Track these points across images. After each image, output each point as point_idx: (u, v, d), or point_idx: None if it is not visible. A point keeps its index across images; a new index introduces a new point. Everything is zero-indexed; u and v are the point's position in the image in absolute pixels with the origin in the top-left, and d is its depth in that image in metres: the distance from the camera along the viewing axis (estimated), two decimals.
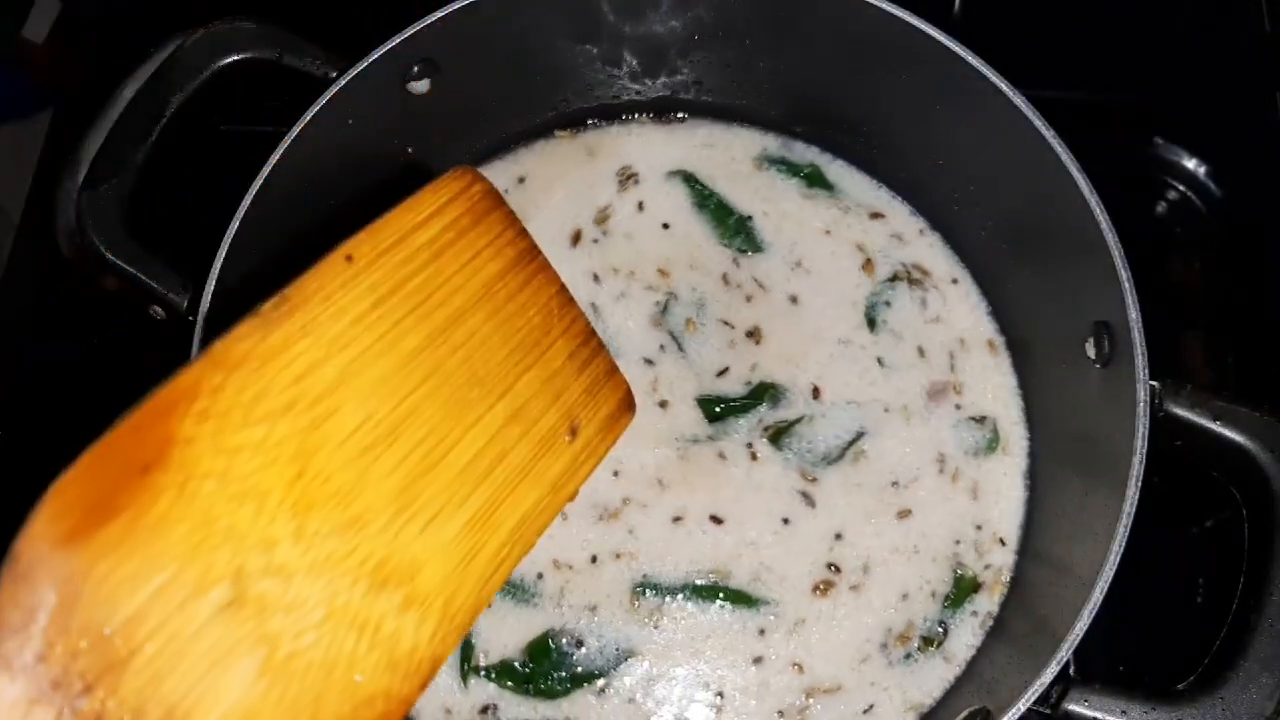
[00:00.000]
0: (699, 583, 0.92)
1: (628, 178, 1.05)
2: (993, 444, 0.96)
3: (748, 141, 1.07)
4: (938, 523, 0.94)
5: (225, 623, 0.48)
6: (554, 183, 1.05)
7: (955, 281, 1.02)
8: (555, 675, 0.90)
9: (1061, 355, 0.91)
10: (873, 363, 0.99)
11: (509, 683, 0.90)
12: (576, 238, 1.03)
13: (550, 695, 0.89)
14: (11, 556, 0.44)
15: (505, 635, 0.92)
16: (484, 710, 0.90)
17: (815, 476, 0.95)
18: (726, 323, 1.00)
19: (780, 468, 0.95)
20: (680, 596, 0.92)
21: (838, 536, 0.93)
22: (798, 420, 0.96)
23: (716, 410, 0.97)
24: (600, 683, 0.90)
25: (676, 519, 0.94)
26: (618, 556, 0.93)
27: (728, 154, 1.07)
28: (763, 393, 0.97)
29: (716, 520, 0.94)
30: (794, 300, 1.01)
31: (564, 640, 0.91)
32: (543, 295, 0.59)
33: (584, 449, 0.60)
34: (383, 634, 0.52)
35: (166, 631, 0.46)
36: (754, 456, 0.95)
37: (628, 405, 0.63)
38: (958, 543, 0.94)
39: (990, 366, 0.99)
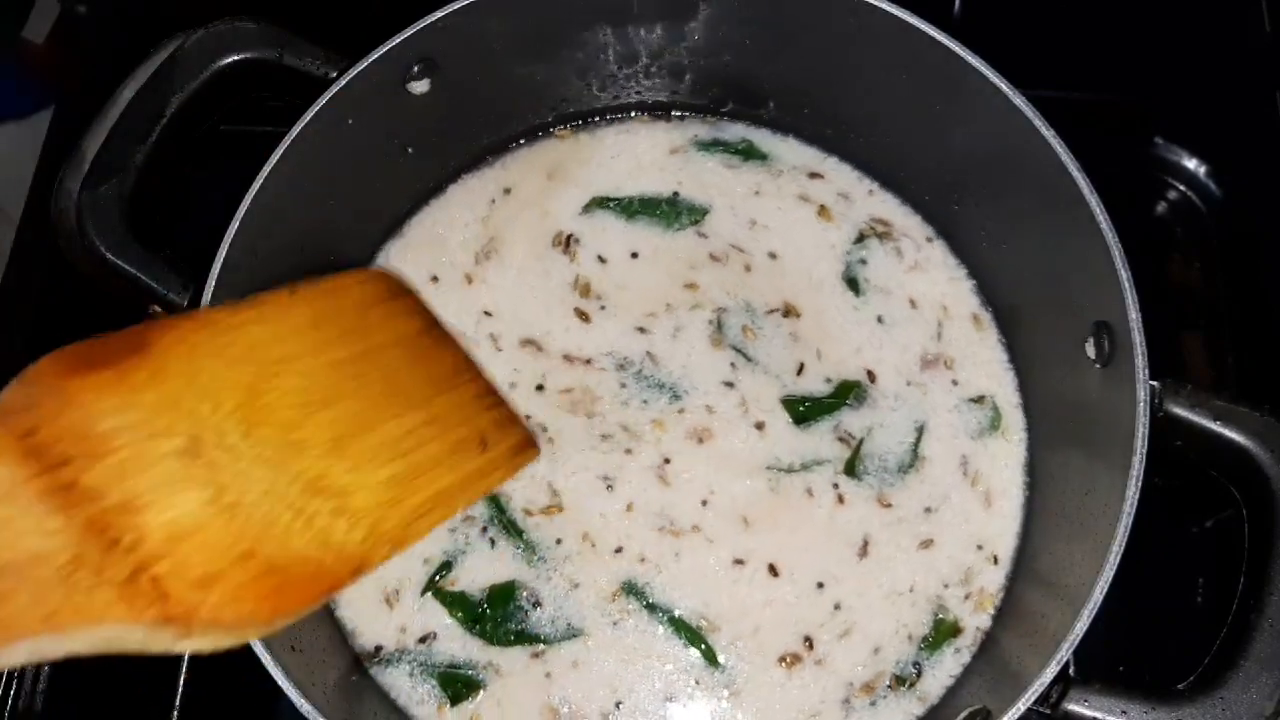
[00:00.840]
0: (683, 616, 0.91)
1: (566, 239, 1.04)
2: (995, 422, 0.97)
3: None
4: (948, 555, 0.94)
5: (181, 461, 0.60)
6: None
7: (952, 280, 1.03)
8: (504, 625, 0.91)
9: (1061, 355, 0.91)
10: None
11: (459, 613, 0.91)
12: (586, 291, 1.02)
13: (490, 640, 0.91)
14: (20, 375, 0.59)
15: (481, 572, 0.93)
16: (423, 639, 0.91)
17: (891, 501, 0.95)
18: (769, 310, 1.00)
19: (862, 505, 0.94)
20: (656, 615, 0.91)
21: (836, 607, 0.92)
22: (863, 438, 0.96)
23: (801, 410, 0.97)
24: (540, 647, 0.91)
25: (738, 561, 0.93)
26: (642, 560, 0.93)
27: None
28: (847, 391, 0.97)
29: (774, 572, 0.93)
30: (773, 256, 1.02)
31: (524, 595, 0.92)
32: (449, 352, 0.78)
33: (493, 460, 0.74)
34: (317, 524, 0.63)
35: (133, 449, 0.58)
36: (840, 499, 0.94)
37: (530, 443, 0.78)
38: (946, 586, 0.93)
39: (993, 361, 1.00)
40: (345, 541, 0.64)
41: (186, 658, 0.99)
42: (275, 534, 0.61)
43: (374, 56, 0.90)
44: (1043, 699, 0.77)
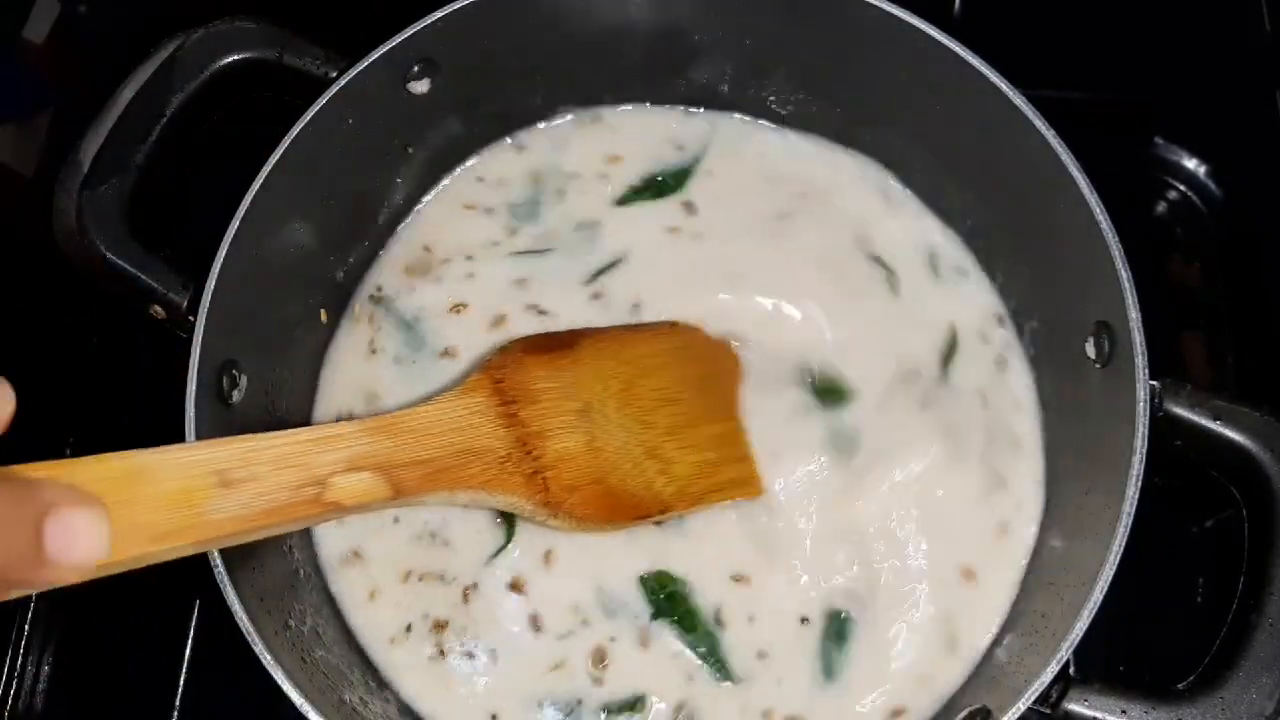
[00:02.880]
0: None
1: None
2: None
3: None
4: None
5: (576, 416, 0.89)
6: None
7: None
8: None
9: (1061, 355, 0.91)
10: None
11: None
12: None
13: None
14: (501, 346, 0.92)
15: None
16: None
17: None
18: None
19: None
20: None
21: None
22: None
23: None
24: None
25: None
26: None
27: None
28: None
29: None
30: None
31: None
32: (734, 391, 0.98)
33: (740, 479, 0.94)
34: (646, 476, 0.90)
35: (551, 403, 0.88)
36: None
37: (757, 480, 0.94)
38: None
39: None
40: (661, 491, 0.90)
41: (186, 658, 0.99)
42: (618, 474, 0.89)
43: (374, 56, 0.90)
44: (1043, 699, 0.77)
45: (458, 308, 1.00)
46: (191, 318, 0.84)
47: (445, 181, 1.05)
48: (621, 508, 0.89)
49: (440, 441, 0.81)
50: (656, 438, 0.92)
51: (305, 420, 0.98)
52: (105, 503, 0.61)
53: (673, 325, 0.98)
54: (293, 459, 0.72)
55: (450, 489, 0.80)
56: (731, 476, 0.93)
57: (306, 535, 0.94)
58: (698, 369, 0.97)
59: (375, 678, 0.91)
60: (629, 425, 0.91)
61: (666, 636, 0.90)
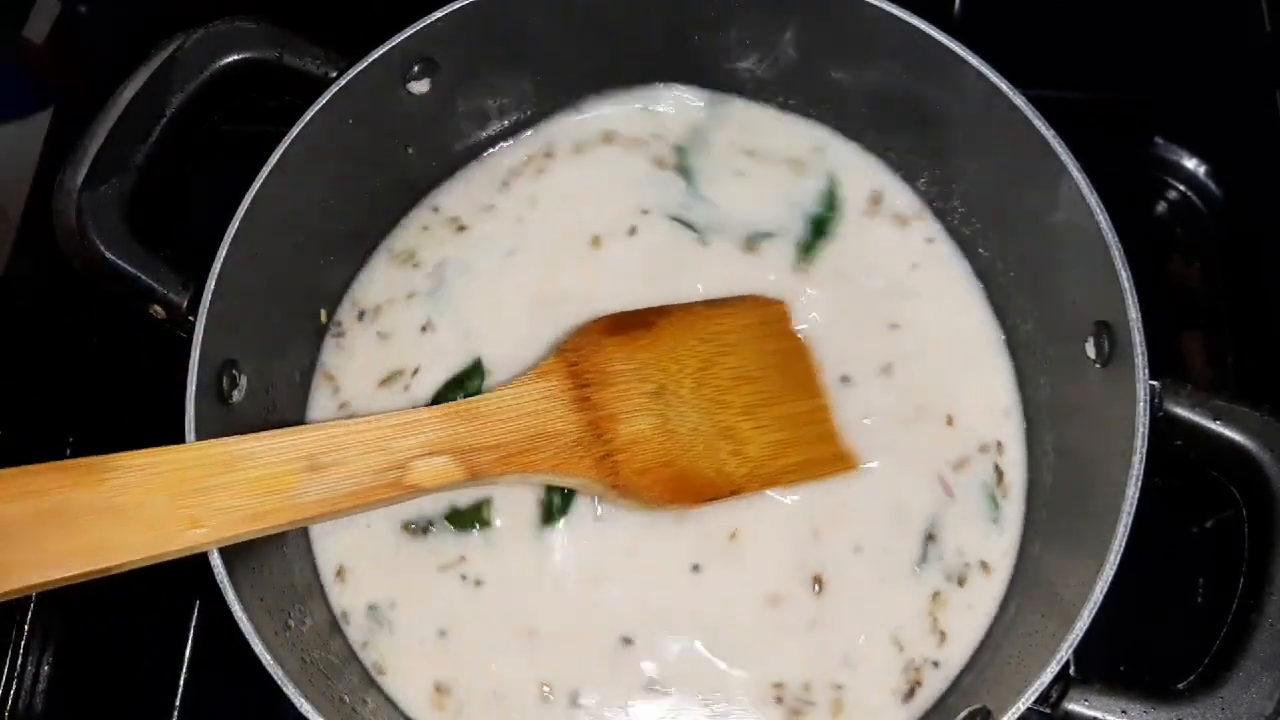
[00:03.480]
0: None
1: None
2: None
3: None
4: None
5: (649, 398, 0.90)
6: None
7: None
8: None
9: (1061, 355, 0.91)
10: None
11: None
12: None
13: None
14: (578, 328, 0.93)
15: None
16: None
17: None
18: None
19: None
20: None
21: None
22: None
23: None
24: None
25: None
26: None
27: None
28: None
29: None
30: None
31: None
32: (815, 370, 0.97)
33: (825, 458, 0.94)
34: (719, 457, 0.91)
35: (625, 385, 0.90)
36: None
37: (849, 458, 0.95)
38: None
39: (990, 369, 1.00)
40: (733, 473, 0.91)
41: (186, 658, 0.99)
42: (690, 455, 0.90)
43: (374, 56, 0.90)
44: (1043, 699, 0.77)
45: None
46: (191, 318, 0.84)
47: (447, 182, 1.06)
48: (691, 489, 0.90)
49: (514, 425, 0.84)
50: (731, 417, 0.92)
51: (303, 420, 0.98)
52: (207, 486, 0.72)
53: (754, 299, 0.98)
54: (376, 444, 0.78)
55: (523, 471, 0.84)
56: (810, 456, 0.93)
57: (304, 534, 0.94)
58: (777, 344, 0.97)
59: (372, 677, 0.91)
60: (703, 406, 0.92)
61: None
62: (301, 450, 0.76)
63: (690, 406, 0.91)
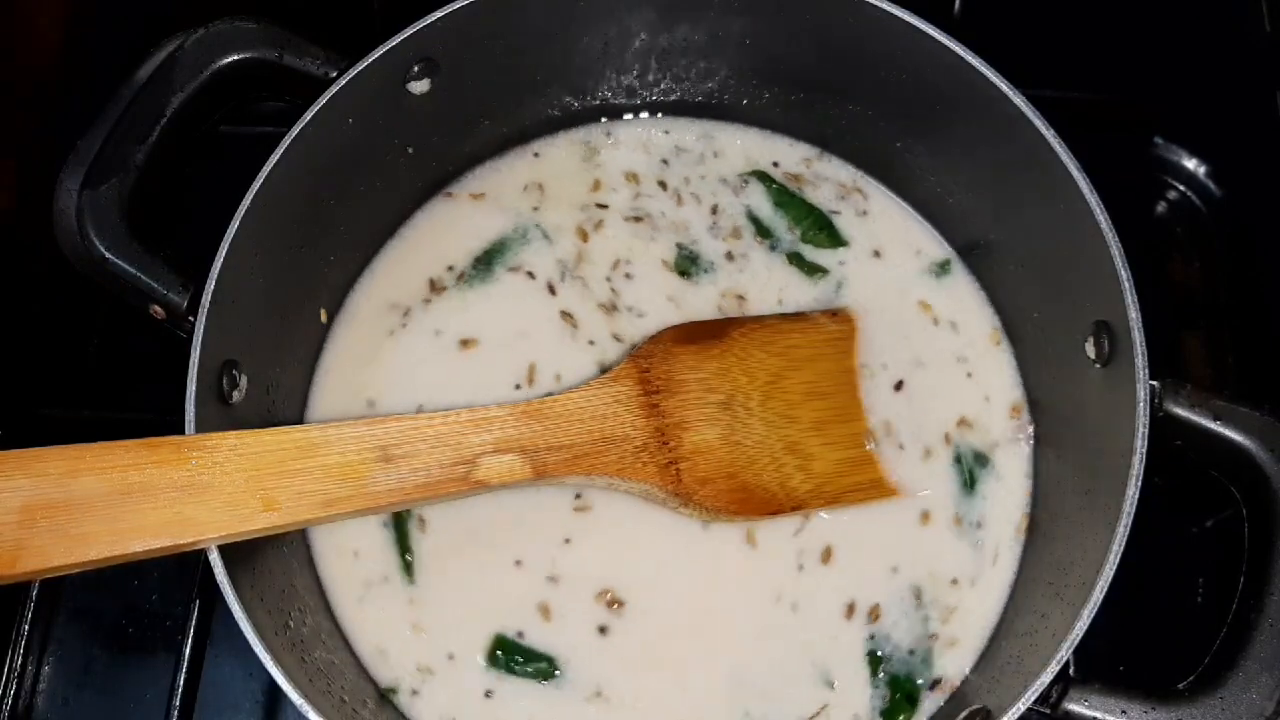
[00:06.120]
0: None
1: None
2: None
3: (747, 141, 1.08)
4: None
5: (717, 409, 0.91)
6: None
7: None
8: None
9: (1061, 355, 0.91)
10: None
11: None
12: None
13: None
14: (653, 335, 0.94)
15: None
16: None
17: None
18: None
19: None
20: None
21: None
22: None
23: None
24: None
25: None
26: None
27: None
28: None
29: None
30: None
31: None
32: (851, 379, 0.97)
33: (870, 486, 0.94)
34: (783, 471, 0.91)
35: (694, 394, 0.90)
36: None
37: (887, 485, 0.95)
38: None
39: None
40: (796, 488, 0.91)
41: (185, 658, 0.99)
42: (754, 468, 0.90)
43: (374, 56, 0.90)
44: (1043, 699, 0.77)
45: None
46: (191, 318, 0.84)
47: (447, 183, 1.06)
48: (753, 502, 0.90)
49: (582, 428, 0.85)
50: (799, 433, 0.92)
51: (303, 420, 0.98)
52: (284, 470, 0.75)
53: (832, 315, 0.98)
54: (448, 439, 0.80)
55: (588, 473, 0.85)
56: (872, 477, 0.94)
57: (302, 536, 0.94)
58: (847, 362, 0.97)
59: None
60: (771, 419, 0.92)
61: None
62: (377, 440, 0.78)
63: (758, 419, 0.92)
